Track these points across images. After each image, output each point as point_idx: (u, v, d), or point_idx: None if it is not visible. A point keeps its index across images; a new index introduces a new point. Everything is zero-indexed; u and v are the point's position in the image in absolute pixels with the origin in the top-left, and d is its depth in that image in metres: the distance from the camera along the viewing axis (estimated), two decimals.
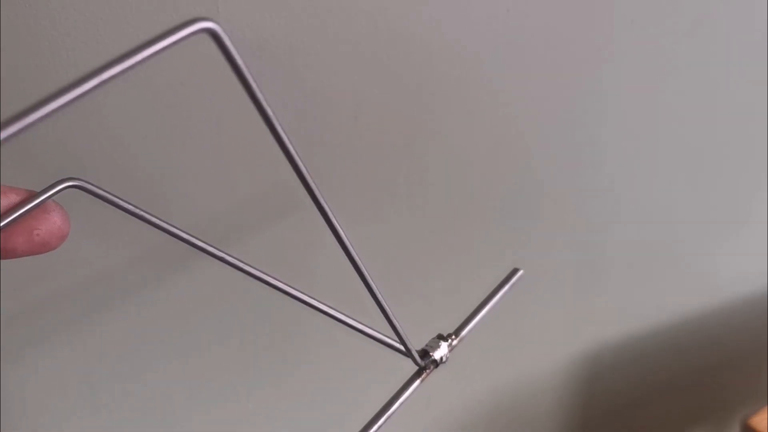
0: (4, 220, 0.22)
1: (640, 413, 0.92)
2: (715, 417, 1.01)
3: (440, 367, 0.32)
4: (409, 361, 0.31)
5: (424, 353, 0.32)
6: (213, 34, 0.21)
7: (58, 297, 0.46)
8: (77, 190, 0.24)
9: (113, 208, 0.25)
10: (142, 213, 0.26)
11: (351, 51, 0.47)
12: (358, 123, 0.50)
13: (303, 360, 0.59)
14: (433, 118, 0.53)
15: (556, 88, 0.58)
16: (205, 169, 0.47)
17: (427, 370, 0.31)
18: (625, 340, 0.82)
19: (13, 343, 0.46)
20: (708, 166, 0.73)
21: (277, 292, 0.29)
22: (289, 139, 0.24)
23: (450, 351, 0.32)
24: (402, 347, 0.31)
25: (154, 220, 0.26)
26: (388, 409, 0.29)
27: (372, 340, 0.30)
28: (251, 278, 0.28)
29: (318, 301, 0.30)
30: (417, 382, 0.31)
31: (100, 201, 0.25)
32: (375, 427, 0.28)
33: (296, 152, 0.24)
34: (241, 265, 0.28)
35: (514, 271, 0.35)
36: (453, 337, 0.32)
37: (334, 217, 0.27)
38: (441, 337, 0.32)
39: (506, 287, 0.34)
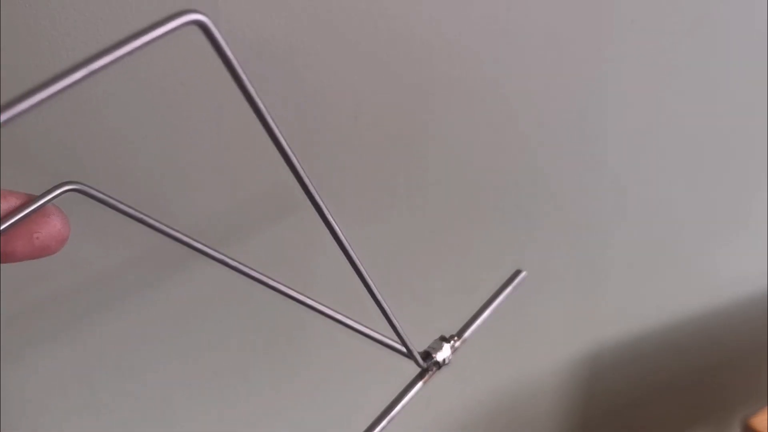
0: (4, 223, 0.22)
1: (640, 413, 0.92)
2: (716, 417, 1.01)
3: (442, 368, 0.32)
4: (411, 362, 0.31)
5: (427, 355, 0.31)
6: (202, 26, 0.20)
7: (58, 297, 0.46)
8: (77, 193, 0.24)
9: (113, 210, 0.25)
10: (141, 216, 0.26)
11: (351, 51, 0.47)
12: (358, 123, 0.50)
13: (303, 362, 0.59)
14: (433, 117, 0.53)
15: (555, 88, 0.58)
16: (205, 168, 0.47)
17: (430, 372, 0.31)
18: (625, 340, 0.82)
19: (13, 343, 0.46)
20: (708, 166, 0.73)
21: (278, 293, 0.29)
22: (281, 132, 0.24)
23: (453, 353, 0.31)
24: (404, 349, 0.31)
25: (154, 223, 0.26)
26: (391, 411, 0.29)
27: (373, 342, 0.30)
28: (252, 280, 0.28)
29: (319, 303, 0.30)
30: (420, 384, 0.31)
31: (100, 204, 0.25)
32: (377, 429, 0.28)
33: (288, 145, 0.24)
34: (241, 267, 0.28)
35: (517, 272, 0.35)
36: (456, 338, 0.32)
37: (329, 212, 0.26)
38: (444, 339, 0.32)
39: (509, 288, 0.34)
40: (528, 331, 0.73)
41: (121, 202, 0.25)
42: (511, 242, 0.65)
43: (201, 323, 0.52)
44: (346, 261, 0.28)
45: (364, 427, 0.29)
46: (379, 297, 0.29)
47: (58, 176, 0.41)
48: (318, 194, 0.26)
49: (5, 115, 0.17)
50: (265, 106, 0.23)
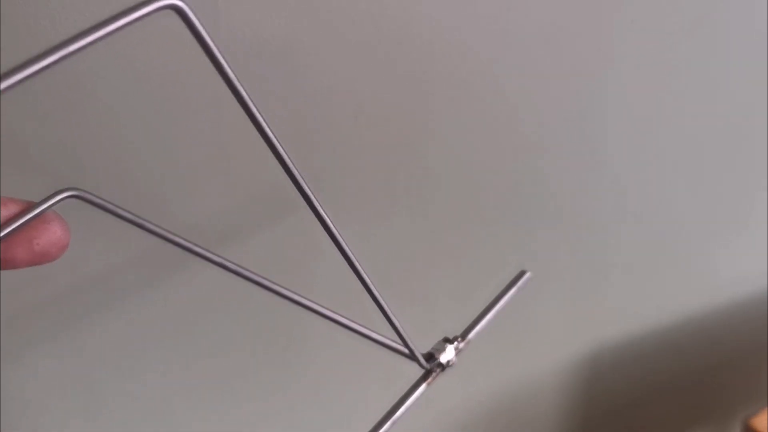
0: (3, 230, 0.22)
1: (640, 413, 0.92)
2: (716, 417, 1.01)
3: (446, 370, 0.32)
4: (413, 364, 0.31)
5: (430, 356, 0.31)
6: (179, 11, 0.20)
7: (58, 298, 0.46)
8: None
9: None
10: (141, 221, 0.25)
11: (351, 51, 0.47)
12: (358, 123, 0.50)
13: (304, 364, 0.59)
14: (433, 117, 0.53)
15: (555, 88, 0.58)
16: (204, 169, 0.46)
17: (434, 374, 0.31)
18: (625, 341, 0.82)
19: (13, 344, 0.46)
20: (708, 166, 0.73)
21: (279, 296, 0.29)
22: (264, 118, 0.24)
23: (457, 354, 0.31)
24: (407, 351, 0.30)
25: (153, 228, 0.26)
26: (394, 414, 0.29)
27: (376, 344, 0.30)
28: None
29: (320, 305, 0.30)
30: (423, 386, 0.31)
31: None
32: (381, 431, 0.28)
33: (272, 130, 0.24)
34: (241, 270, 0.28)
35: (522, 273, 0.35)
36: (459, 339, 0.32)
37: (321, 206, 0.26)
38: (447, 340, 0.32)
39: (513, 289, 0.34)
40: (528, 331, 0.73)
41: (121, 208, 0.25)
42: (512, 242, 0.65)
43: (201, 324, 0.52)
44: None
45: (367, 430, 0.29)
46: (379, 297, 0.29)
47: (57, 176, 0.42)
48: (305, 182, 0.26)
49: None
50: (247, 93, 0.23)
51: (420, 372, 0.31)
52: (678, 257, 0.79)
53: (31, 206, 0.23)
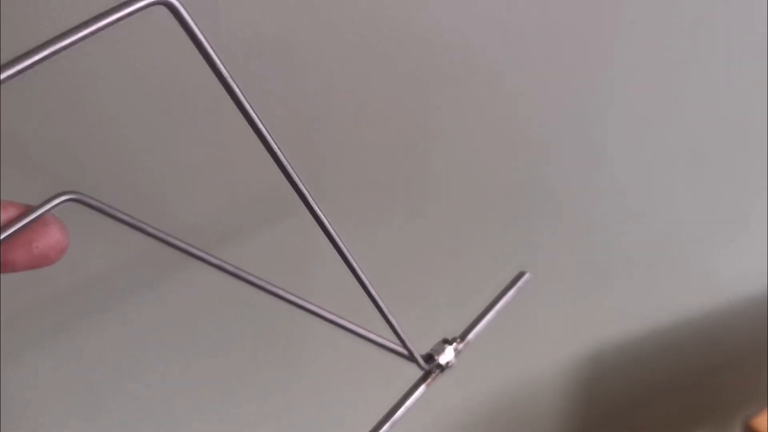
0: (3, 233, 0.22)
1: (640, 414, 0.92)
2: (716, 417, 1.01)
3: (446, 371, 0.32)
4: (413, 365, 0.31)
5: (429, 357, 0.31)
6: (170, 7, 0.20)
7: (58, 298, 0.46)
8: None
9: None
10: (140, 225, 0.26)
11: (351, 50, 0.47)
12: (358, 123, 0.50)
13: (304, 365, 0.59)
14: (434, 117, 0.53)
15: (556, 88, 0.58)
16: (204, 170, 0.46)
17: (433, 375, 0.31)
18: (625, 341, 0.82)
19: (13, 344, 0.46)
20: (708, 166, 0.73)
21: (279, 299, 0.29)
22: (257, 113, 0.24)
23: (456, 355, 0.31)
24: (406, 352, 0.30)
25: (152, 231, 0.26)
26: (393, 415, 0.29)
27: (375, 346, 0.30)
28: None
29: (320, 307, 0.30)
30: (422, 387, 0.31)
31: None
32: None
33: (264, 125, 0.24)
34: (240, 273, 0.28)
35: (521, 274, 0.34)
36: (459, 340, 0.32)
37: (316, 203, 0.26)
38: (446, 341, 0.32)
39: (513, 290, 0.34)
40: (528, 332, 0.73)
41: (119, 211, 0.25)
42: (512, 243, 0.65)
43: (201, 325, 0.52)
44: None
45: (367, 431, 0.29)
46: (378, 299, 0.29)
47: (57, 177, 0.42)
48: (298, 176, 0.26)
49: None
50: (240, 88, 0.23)
51: (419, 373, 0.31)
52: (678, 257, 0.79)
53: (30, 209, 0.23)
